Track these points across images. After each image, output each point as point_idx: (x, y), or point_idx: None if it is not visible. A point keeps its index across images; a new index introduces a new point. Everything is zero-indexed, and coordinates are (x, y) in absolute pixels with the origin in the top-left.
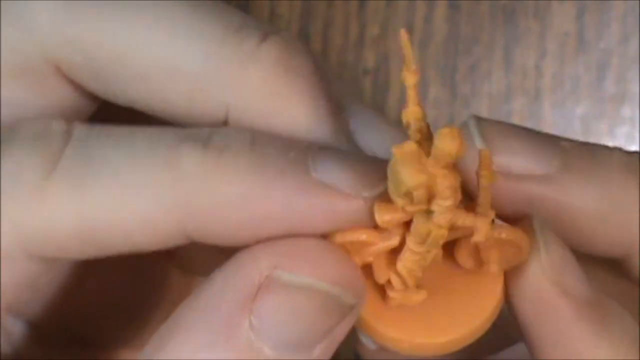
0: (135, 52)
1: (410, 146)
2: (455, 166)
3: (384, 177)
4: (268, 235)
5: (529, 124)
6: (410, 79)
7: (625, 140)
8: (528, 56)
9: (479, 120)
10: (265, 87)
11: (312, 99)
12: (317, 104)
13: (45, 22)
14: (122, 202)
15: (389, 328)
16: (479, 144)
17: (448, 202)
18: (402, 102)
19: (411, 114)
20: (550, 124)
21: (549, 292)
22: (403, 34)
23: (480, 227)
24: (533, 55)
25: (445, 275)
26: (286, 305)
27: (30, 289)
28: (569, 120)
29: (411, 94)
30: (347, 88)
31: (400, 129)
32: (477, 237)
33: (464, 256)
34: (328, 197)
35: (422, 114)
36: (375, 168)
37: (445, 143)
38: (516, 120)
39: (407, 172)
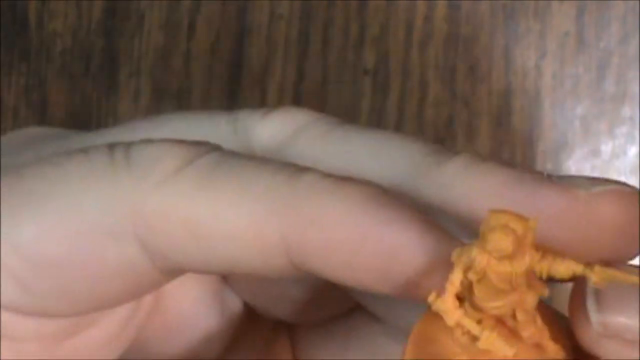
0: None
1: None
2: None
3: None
4: (360, 266)
5: (529, 124)
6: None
7: (625, 140)
8: (528, 56)
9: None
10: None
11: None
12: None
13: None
14: (236, 208)
15: None
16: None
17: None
18: (402, 102)
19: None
20: (550, 124)
21: None
22: None
23: None
24: (533, 55)
25: None
26: None
27: (149, 291)
28: (569, 120)
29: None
30: None
31: None
32: None
33: None
34: (428, 234)
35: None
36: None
37: (494, 238)
38: (516, 120)
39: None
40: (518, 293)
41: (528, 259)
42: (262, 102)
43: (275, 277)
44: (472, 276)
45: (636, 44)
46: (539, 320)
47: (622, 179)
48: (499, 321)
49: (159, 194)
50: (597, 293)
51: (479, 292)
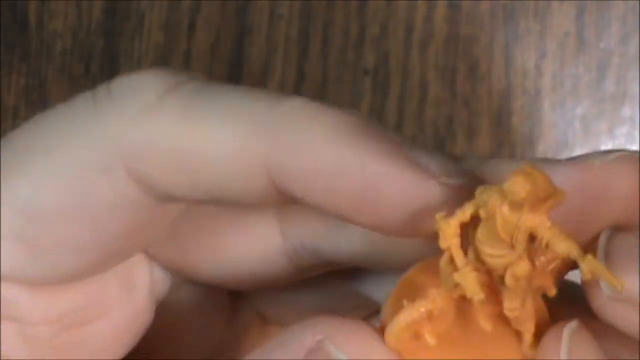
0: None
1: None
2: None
3: (465, 174)
4: (339, 193)
5: (529, 124)
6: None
7: (625, 140)
8: (528, 56)
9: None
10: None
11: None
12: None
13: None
14: (219, 131)
15: None
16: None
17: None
18: (402, 102)
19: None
20: (550, 124)
21: None
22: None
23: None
24: (533, 55)
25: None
26: None
27: (150, 227)
28: (569, 120)
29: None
30: None
31: None
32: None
33: (486, 319)
34: (417, 172)
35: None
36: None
37: (514, 179)
38: (516, 120)
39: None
40: (514, 253)
41: (537, 220)
42: None
43: (258, 203)
44: (482, 213)
45: (636, 44)
46: (528, 305)
47: None
48: (489, 278)
49: (142, 123)
50: (609, 256)
51: (481, 232)
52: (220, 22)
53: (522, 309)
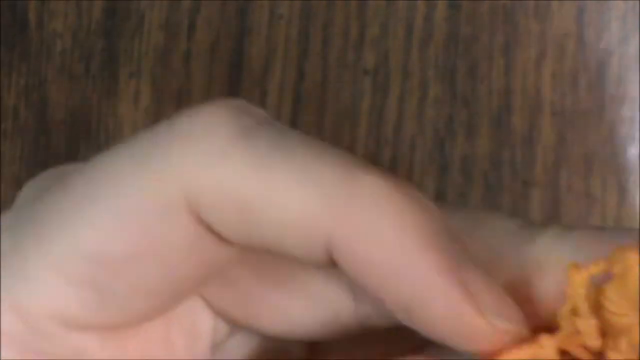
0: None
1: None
2: None
3: (520, 321)
4: (389, 290)
5: (528, 124)
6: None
7: (625, 140)
8: (528, 56)
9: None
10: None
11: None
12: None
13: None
14: (290, 195)
15: None
16: None
17: None
18: (402, 102)
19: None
20: (550, 124)
21: None
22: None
23: None
24: (533, 55)
25: None
26: None
27: (209, 269)
28: (568, 120)
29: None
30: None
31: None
32: None
33: None
34: (464, 300)
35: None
36: (519, 311)
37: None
38: (516, 120)
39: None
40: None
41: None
42: (262, 102)
43: (317, 266)
44: (616, 269)
45: (636, 44)
46: None
47: (622, 179)
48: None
49: (214, 168)
50: None
51: (610, 289)
52: (220, 22)
53: None
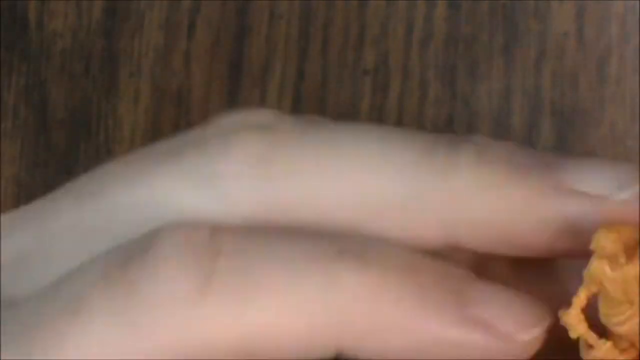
0: (341, 203)
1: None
2: None
3: (544, 317)
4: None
5: (528, 124)
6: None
7: (625, 140)
8: (528, 56)
9: None
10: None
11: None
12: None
13: (236, 186)
14: (280, 319)
15: None
16: None
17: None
18: (402, 102)
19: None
20: (550, 124)
21: None
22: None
23: None
24: (533, 55)
25: None
26: None
27: None
28: (568, 120)
29: None
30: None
31: None
32: None
33: None
34: (482, 336)
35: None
36: (537, 305)
37: (597, 236)
38: (516, 120)
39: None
40: (635, 306)
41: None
42: (262, 102)
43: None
44: (593, 289)
45: (636, 43)
46: None
47: None
48: (630, 345)
49: (193, 319)
50: None
51: (601, 307)
52: (220, 22)
53: None
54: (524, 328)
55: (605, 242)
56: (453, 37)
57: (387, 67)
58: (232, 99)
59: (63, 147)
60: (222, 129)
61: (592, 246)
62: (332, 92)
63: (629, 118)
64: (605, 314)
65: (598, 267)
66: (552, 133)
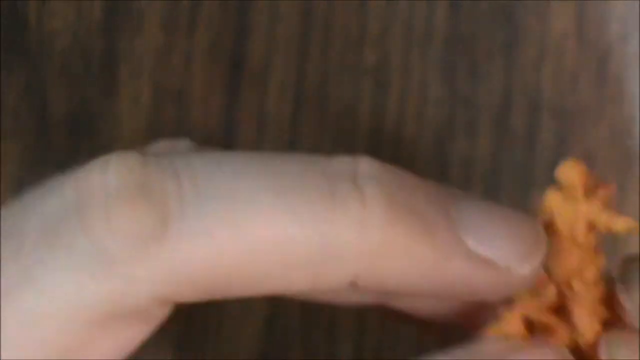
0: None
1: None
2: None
3: (538, 240)
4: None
5: (529, 124)
6: None
7: (625, 139)
8: (528, 56)
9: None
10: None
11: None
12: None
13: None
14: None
15: None
16: None
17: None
18: (402, 102)
19: None
20: (550, 124)
21: None
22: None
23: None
24: (533, 55)
25: None
26: None
27: None
28: (568, 120)
29: None
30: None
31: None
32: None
33: None
34: (485, 271)
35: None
36: (528, 225)
37: (562, 168)
38: (516, 120)
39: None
40: (581, 252)
41: (593, 207)
42: (262, 102)
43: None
44: (543, 215)
45: (636, 44)
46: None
47: (622, 178)
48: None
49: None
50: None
51: (549, 261)
52: (221, 22)
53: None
54: (521, 259)
55: (569, 171)
56: (453, 37)
57: (387, 67)
58: (232, 99)
59: (63, 147)
60: (98, 196)
61: (556, 173)
62: (332, 92)
63: (629, 118)
64: (552, 266)
65: (553, 196)
66: (552, 133)
